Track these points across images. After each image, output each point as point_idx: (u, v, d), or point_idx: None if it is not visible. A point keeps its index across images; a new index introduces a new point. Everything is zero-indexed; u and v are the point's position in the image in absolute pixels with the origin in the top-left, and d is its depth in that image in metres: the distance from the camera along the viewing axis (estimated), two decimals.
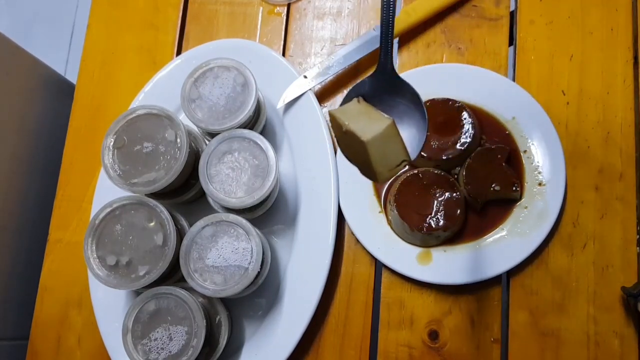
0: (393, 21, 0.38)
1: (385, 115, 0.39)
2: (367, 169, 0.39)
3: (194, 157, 0.58)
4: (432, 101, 0.60)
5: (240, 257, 0.52)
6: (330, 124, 0.41)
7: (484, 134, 0.61)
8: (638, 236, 0.59)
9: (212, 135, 0.57)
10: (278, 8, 0.69)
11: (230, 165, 0.54)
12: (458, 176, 0.60)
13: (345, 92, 0.64)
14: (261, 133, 0.61)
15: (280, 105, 0.62)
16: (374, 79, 0.40)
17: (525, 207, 0.58)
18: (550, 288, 0.58)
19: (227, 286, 0.51)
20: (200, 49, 0.65)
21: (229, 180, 0.54)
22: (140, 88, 0.65)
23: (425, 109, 0.38)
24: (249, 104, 0.56)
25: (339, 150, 0.61)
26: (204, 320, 0.51)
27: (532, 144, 0.60)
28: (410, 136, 0.39)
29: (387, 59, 0.39)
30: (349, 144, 0.39)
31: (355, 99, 0.41)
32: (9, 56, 0.71)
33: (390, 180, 0.61)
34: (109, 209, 0.54)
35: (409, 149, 0.39)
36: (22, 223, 0.72)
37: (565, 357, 0.57)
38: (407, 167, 0.39)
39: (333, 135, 0.41)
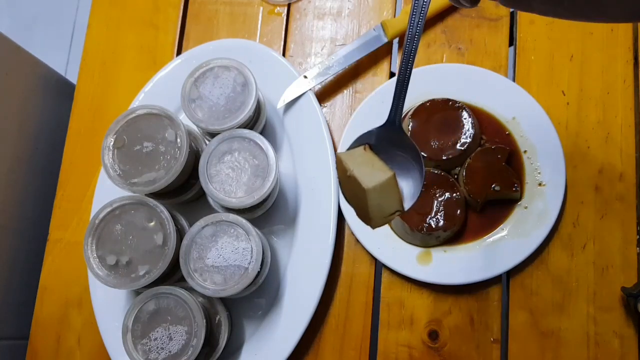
0: (408, 80, 0.40)
1: (388, 167, 0.42)
2: (363, 213, 0.43)
3: (194, 157, 0.58)
4: (433, 101, 0.60)
5: (240, 257, 0.52)
6: (336, 166, 0.46)
7: (484, 134, 0.61)
8: (638, 236, 0.59)
9: (212, 135, 0.57)
10: (278, 8, 0.69)
11: (230, 165, 0.54)
12: (458, 176, 0.60)
13: (345, 92, 0.65)
14: (261, 133, 0.61)
15: (280, 105, 0.62)
16: (381, 130, 0.43)
17: (525, 207, 0.58)
18: (550, 288, 0.58)
19: (227, 286, 0.51)
20: (201, 49, 0.65)
21: (229, 180, 0.54)
22: (140, 88, 0.65)
23: (424, 166, 0.42)
24: (249, 104, 0.56)
25: (339, 150, 0.61)
26: (204, 320, 0.51)
27: (532, 144, 0.60)
28: (406, 188, 0.42)
29: (397, 115, 0.42)
30: (350, 187, 0.43)
31: (362, 147, 0.44)
32: (9, 56, 0.71)
33: None
34: (109, 209, 0.54)
35: (404, 201, 0.42)
36: (22, 223, 0.72)
37: (565, 357, 0.57)
38: (398, 215, 0.43)
39: (338, 175, 0.45)
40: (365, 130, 0.44)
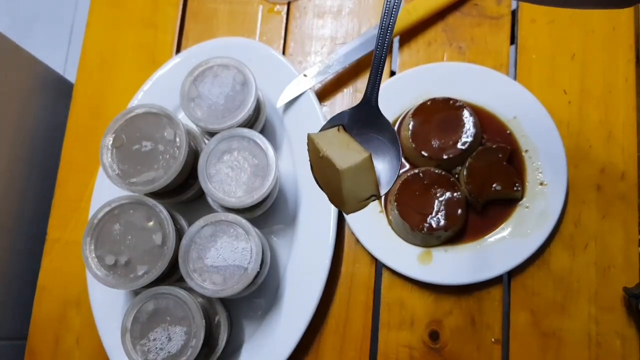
0: (385, 58, 0.39)
1: (364, 148, 0.40)
2: (336, 197, 0.40)
3: (193, 157, 0.57)
4: (433, 100, 0.60)
5: (239, 256, 0.52)
6: (307, 147, 0.42)
7: (485, 133, 0.61)
8: None
9: (211, 134, 0.57)
10: (278, 6, 0.68)
11: (230, 164, 0.54)
12: (459, 176, 0.60)
13: (345, 91, 0.65)
14: (261, 132, 0.61)
15: (280, 104, 0.62)
16: (356, 111, 0.41)
17: (527, 207, 0.58)
18: (551, 288, 0.58)
19: (226, 286, 0.51)
20: (200, 48, 0.65)
21: (228, 179, 0.54)
22: (139, 87, 0.65)
23: (400, 149, 0.40)
24: (249, 103, 0.55)
25: None
26: (203, 321, 0.51)
27: (534, 143, 0.59)
28: (383, 172, 0.40)
29: (374, 94, 0.40)
30: (323, 170, 0.40)
31: (335, 128, 0.42)
32: (7, 55, 0.71)
33: None
34: (107, 209, 0.53)
35: (379, 185, 0.40)
36: (20, 222, 0.72)
37: (566, 358, 0.56)
38: (373, 200, 0.41)
39: (309, 157, 0.42)
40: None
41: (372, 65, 0.40)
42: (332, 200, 0.41)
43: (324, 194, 0.42)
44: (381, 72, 0.40)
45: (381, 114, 0.41)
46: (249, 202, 0.53)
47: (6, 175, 0.70)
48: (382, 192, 0.41)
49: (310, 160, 0.42)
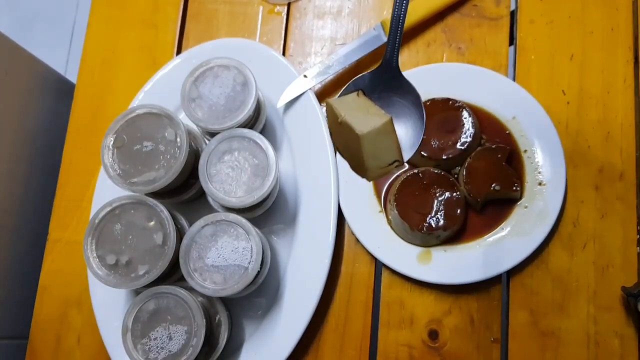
0: (404, 17, 0.37)
1: (384, 112, 0.38)
2: (357, 163, 0.39)
3: (194, 157, 0.57)
4: (433, 101, 0.60)
5: (240, 256, 0.52)
6: (326, 113, 0.40)
7: (484, 133, 0.61)
8: (638, 236, 0.59)
9: (212, 134, 0.57)
10: (278, 7, 0.69)
11: (230, 164, 0.54)
12: (458, 176, 0.60)
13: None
14: (261, 132, 0.61)
15: (280, 104, 0.62)
16: (376, 74, 0.39)
17: (526, 207, 0.58)
18: (550, 288, 0.58)
19: (226, 285, 0.51)
20: (200, 48, 0.65)
21: (228, 179, 0.54)
22: (140, 87, 0.65)
23: (424, 112, 0.37)
24: (249, 104, 0.56)
25: None
26: (204, 320, 0.51)
27: (533, 143, 0.60)
28: (405, 137, 0.39)
29: (394, 55, 0.38)
30: (342, 136, 0.39)
31: (354, 92, 0.40)
32: (8, 55, 0.71)
33: (391, 180, 0.61)
34: (108, 209, 0.53)
35: (402, 150, 0.39)
36: (22, 222, 0.72)
37: (565, 357, 0.57)
38: (398, 167, 0.38)
39: (328, 124, 0.39)
40: None
41: (390, 25, 0.37)
42: (353, 167, 0.40)
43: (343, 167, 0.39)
44: (401, 32, 0.37)
45: (403, 76, 0.38)
46: (249, 202, 0.53)
47: (7, 176, 0.70)
48: (406, 157, 0.39)
49: (329, 127, 0.40)
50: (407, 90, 0.38)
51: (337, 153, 0.39)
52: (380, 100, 0.39)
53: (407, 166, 0.61)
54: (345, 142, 0.38)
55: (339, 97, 0.39)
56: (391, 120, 0.37)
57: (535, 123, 0.60)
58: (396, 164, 0.39)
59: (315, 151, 0.60)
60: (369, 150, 0.37)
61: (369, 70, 0.38)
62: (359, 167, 0.39)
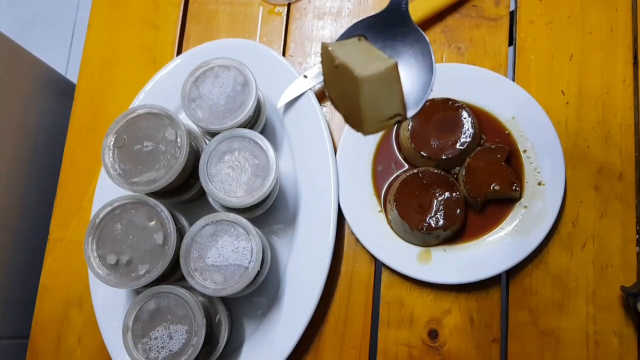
0: None
1: (388, 57, 0.32)
2: (353, 114, 0.33)
3: (194, 157, 0.58)
4: (432, 101, 0.60)
5: (240, 256, 0.52)
6: (321, 58, 0.34)
7: (483, 133, 0.61)
8: (637, 236, 0.59)
9: (212, 134, 0.58)
10: (278, 8, 0.69)
11: (231, 164, 0.55)
12: (458, 176, 0.60)
13: None
14: (261, 133, 0.61)
15: (281, 104, 0.62)
16: (382, 18, 0.33)
17: (525, 207, 0.58)
18: (549, 287, 0.58)
19: (227, 285, 0.51)
20: (201, 49, 0.65)
21: (229, 179, 0.54)
22: (140, 87, 0.65)
23: (434, 62, 0.33)
24: (249, 104, 0.56)
25: (339, 150, 0.61)
26: (204, 319, 0.51)
27: (532, 143, 0.60)
28: (411, 91, 0.33)
29: None
30: (337, 84, 0.33)
31: (355, 37, 0.34)
32: (9, 56, 0.71)
33: (390, 180, 0.61)
34: (109, 208, 0.54)
35: (406, 103, 0.33)
36: (23, 222, 0.72)
37: (564, 357, 0.57)
38: (399, 123, 0.34)
39: (322, 70, 0.34)
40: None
41: None
42: (348, 119, 0.34)
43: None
44: None
45: (412, 21, 0.33)
46: (249, 201, 0.53)
47: (8, 175, 0.70)
48: (410, 113, 0.33)
49: (323, 73, 0.34)
50: (415, 39, 0.33)
51: (331, 104, 0.34)
52: (384, 48, 0.33)
53: (407, 166, 0.62)
54: (341, 89, 0.32)
55: (336, 41, 0.34)
56: (396, 65, 0.31)
57: (535, 123, 0.60)
58: (397, 118, 0.33)
59: (315, 151, 0.60)
60: (368, 97, 0.31)
61: (372, 14, 0.33)
62: (355, 119, 0.33)
